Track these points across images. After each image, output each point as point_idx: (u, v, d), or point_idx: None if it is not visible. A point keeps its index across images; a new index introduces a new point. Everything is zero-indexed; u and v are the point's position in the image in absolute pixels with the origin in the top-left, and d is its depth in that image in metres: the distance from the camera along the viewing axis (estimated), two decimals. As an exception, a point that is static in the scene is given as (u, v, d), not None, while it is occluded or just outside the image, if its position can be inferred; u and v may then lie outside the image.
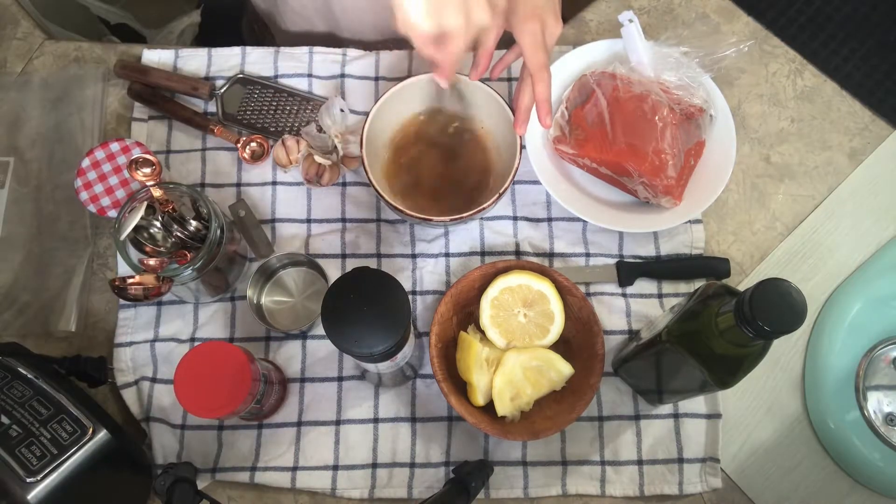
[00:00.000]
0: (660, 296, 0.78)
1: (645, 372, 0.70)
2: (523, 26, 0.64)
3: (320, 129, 0.80)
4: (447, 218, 0.70)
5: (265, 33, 1.00)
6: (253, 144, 0.81)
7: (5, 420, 0.60)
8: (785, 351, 0.77)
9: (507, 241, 0.79)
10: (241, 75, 0.84)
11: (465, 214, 0.70)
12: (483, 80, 0.75)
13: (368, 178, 0.70)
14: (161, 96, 0.82)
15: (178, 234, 0.68)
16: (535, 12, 0.64)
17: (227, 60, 0.85)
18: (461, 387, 0.71)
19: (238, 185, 0.81)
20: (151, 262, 0.66)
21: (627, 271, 0.77)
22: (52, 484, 0.59)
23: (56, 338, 0.75)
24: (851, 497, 0.73)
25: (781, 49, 0.89)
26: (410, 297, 0.77)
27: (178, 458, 0.71)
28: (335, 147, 0.80)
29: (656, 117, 0.73)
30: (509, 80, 0.86)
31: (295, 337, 0.75)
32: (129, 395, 0.73)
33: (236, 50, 0.85)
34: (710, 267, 0.78)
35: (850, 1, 1.83)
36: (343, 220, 0.80)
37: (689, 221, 0.80)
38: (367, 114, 0.73)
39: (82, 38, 0.90)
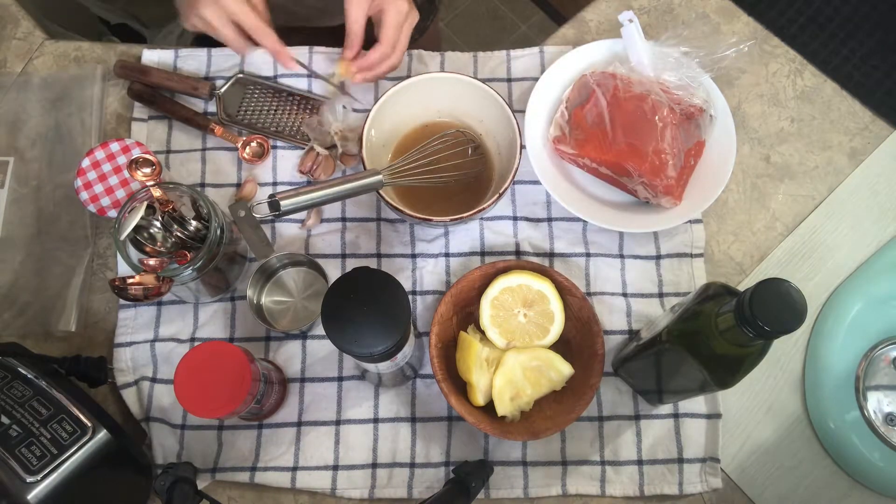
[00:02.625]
0: (660, 295, 0.78)
1: (645, 372, 0.70)
2: (391, 4, 0.73)
3: (321, 123, 0.80)
4: (447, 218, 0.70)
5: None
6: (253, 144, 0.81)
7: (5, 420, 0.60)
8: (785, 351, 0.77)
9: (507, 241, 0.79)
10: (241, 75, 0.84)
11: (465, 214, 0.70)
12: (483, 81, 0.75)
13: (368, 178, 0.70)
14: (161, 96, 0.82)
15: (178, 234, 0.68)
16: None
17: (226, 60, 0.85)
18: (461, 387, 0.71)
19: (238, 185, 0.81)
20: (151, 262, 0.66)
21: None
22: (52, 484, 0.59)
23: (56, 338, 0.75)
24: (851, 497, 0.73)
25: (781, 49, 0.89)
26: (410, 297, 0.77)
27: (178, 458, 0.71)
28: (334, 144, 0.80)
29: (656, 117, 0.73)
30: (509, 80, 0.86)
31: (295, 337, 0.75)
32: (129, 395, 0.73)
33: (236, 49, 0.85)
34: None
35: (850, 1, 1.83)
36: (343, 219, 0.80)
37: (690, 221, 0.80)
38: (367, 112, 0.73)
39: (82, 38, 0.90)
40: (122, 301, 0.75)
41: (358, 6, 0.72)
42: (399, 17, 0.74)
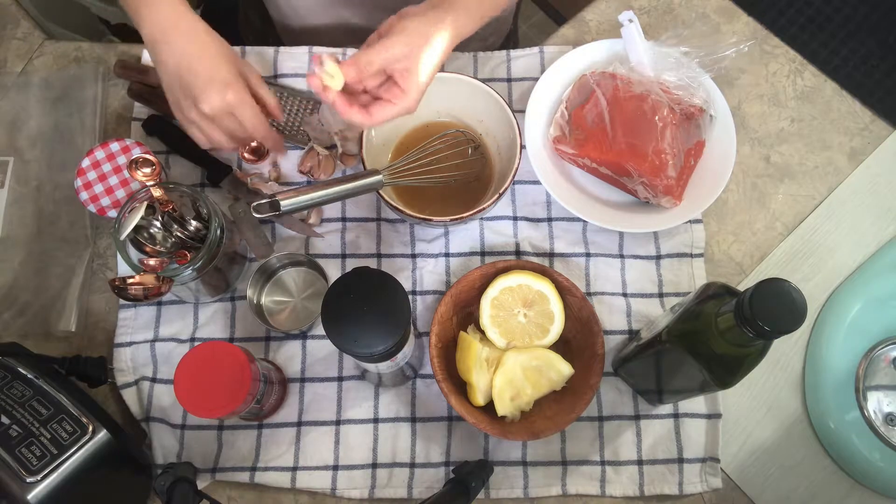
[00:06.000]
0: (660, 295, 0.78)
1: (645, 372, 0.70)
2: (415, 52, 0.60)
3: (321, 123, 0.80)
4: (447, 218, 0.70)
5: (267, 27, 0.99)
6: (253, 144, 0.81)
7: (5, 420, 0.60)
8: (785, 351, 0.77)
9: (507, 241, 0.79)
10: (241, 75, 0.84)
11: (465, 214, 0.70)
12: (483, 81, 0.75)
13: (368, 178, 0.70)
14: (161, 96, 0.82)
15: (178, 234, 0.68)
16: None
17: (227, 60, 0.85)
18: (461, 387, 0.71)
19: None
20: (151, 262, 0.66)
21: None
22: (52, 484, 0.59)
23: (56, 338, 0.75)
24: (851, 497, 0.73)
25: (781, 49, 0.89)
26: (410, 297, 0.77)
27: (178, 458, 0.71)
28: (334, 144, 0.80)
29: (656, 117, 0.73)
30: (509, 80, 0.86)
31: (295, 337, 0.75)
32: (129, 395, 0.73)
33: (236, 49, 0.85)
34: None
35: (850, 1, 1.83)
36: (343, 219, 0.80)
37: (690, 221, 0.80)
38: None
39: (82, 38, 0.90)
40: (122, 301, 0.75)
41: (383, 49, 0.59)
42: (405, 54, 0.58)
